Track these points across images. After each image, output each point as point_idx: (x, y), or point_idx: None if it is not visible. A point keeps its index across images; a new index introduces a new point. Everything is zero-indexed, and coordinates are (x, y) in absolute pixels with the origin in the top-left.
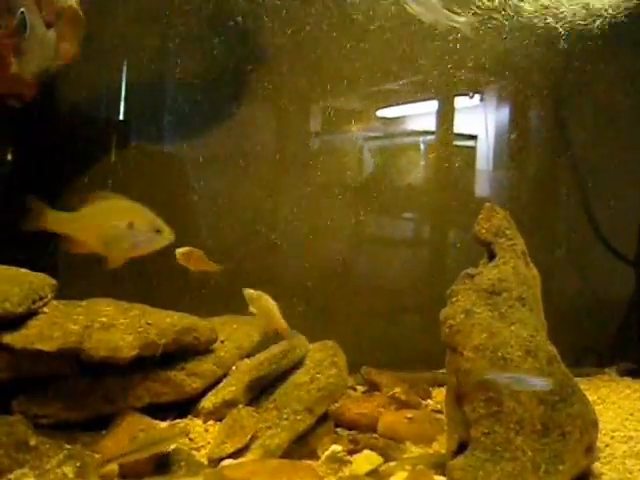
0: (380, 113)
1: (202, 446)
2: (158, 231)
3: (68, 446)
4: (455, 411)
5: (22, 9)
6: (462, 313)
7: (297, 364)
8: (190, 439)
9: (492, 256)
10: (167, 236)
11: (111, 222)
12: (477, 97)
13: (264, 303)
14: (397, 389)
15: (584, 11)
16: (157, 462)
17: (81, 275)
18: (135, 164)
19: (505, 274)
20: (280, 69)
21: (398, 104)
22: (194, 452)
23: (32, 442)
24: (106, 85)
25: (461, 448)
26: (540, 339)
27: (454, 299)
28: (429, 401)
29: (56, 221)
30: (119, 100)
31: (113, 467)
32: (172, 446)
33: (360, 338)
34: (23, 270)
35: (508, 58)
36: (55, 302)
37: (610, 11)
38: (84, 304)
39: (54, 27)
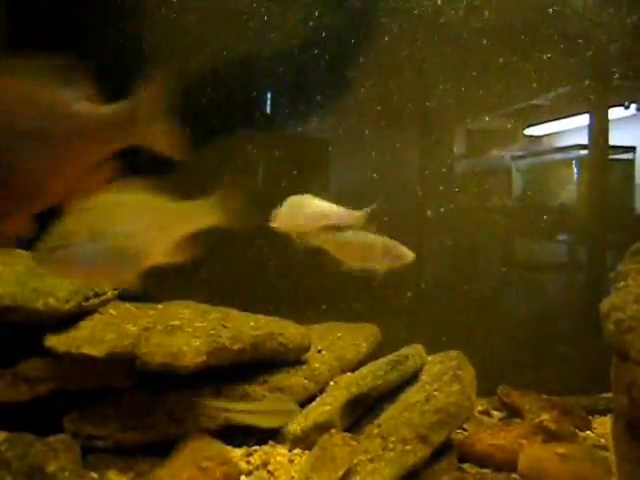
0: (528, 131)
1: None
2: None
3: (95, 475)
4: (628, 446)
5: None
6: (635, 303)
7: (411, 379)
8: (269, 472)
9: None
10: None
11: None
12: (634, 106)
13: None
14: (545, 416)
15: None
16: None
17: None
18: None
19: None
20: (422, 90)
21: (547, 120)
22: None
23: (51, 468)
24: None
25: None
26: None
27: (621, 284)
28: (589, 433)
29: None
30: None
31: None
32: None
33: (507, 364)
34: None
35: None
36: (127, 304)
37: None
38: (160, 306)
39: None
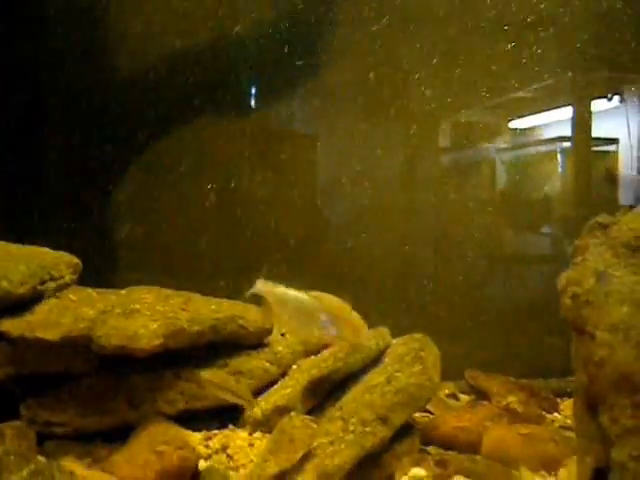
0: (512, 124)
1: (243, 465)
2: None
3: (42, 459)
4: (588, 423)
5: None
6: (592, 277)
7: (374, 361)
8: (229, 456)
9: None
10: None
11: None
12: (616, 98)
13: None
14: (512, 398)
15: None
16: None
17: None
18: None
19: None
20: (406, 82)
21: (531, 113)
22: (231, 472)
23: None
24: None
25: (598, 476)
26: None
27: (579, 258)
28: (556, 415)
29: None
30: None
31: None
32: None
33: (494, 356)
34: (43, 249)
35: None
36: (89, 290)
37: None
38: (123, 292)
39: None
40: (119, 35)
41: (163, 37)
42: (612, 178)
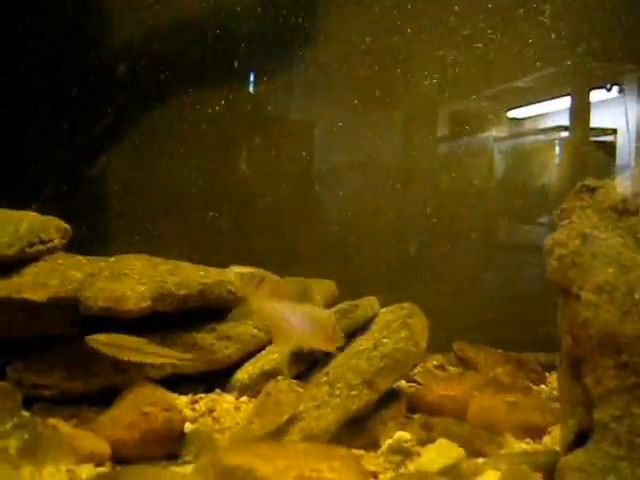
0: (510, 113)
1: (228, 428)
2: None
3: (25, 413)
4: (571, 387)
5: None
6: (578, 239)
7: (362, 329)
8: (214, 419)
9: None
10: None
11: None
12: (615, 89)
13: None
14: (499, 370)
15: None
16: (170, 446)
17: None
18: None
19: None
20: (405, 70)
21: (529, 103)
22: (217, 435)
23: None
24: None
25: (581, 439)
26: None
27: (566, 221)
28: (543, 387)
29: None
30: None
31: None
32: None
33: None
34: (32, 213)
35: None
36: (78, 256)
37: None
38: (112, 259)
39: None
40: (111, 6)
41: (156, 7)
42: (605, 147)
